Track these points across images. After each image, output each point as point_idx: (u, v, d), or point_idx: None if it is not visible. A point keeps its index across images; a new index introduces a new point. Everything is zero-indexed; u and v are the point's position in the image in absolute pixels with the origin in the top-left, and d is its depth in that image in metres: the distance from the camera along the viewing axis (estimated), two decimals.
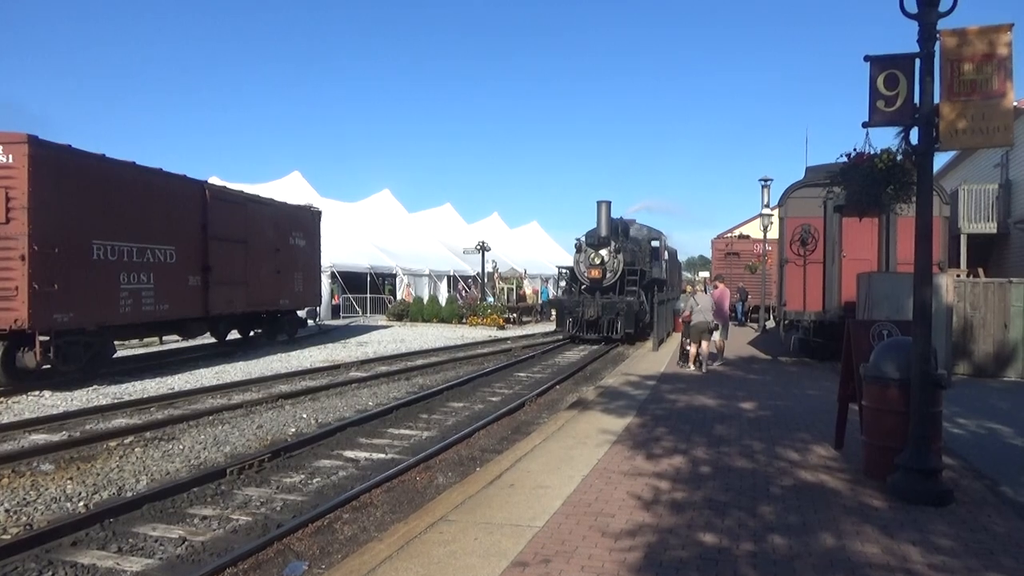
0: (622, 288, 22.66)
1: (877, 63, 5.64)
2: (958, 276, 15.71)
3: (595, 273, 22.57)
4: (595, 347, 21.11)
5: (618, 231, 24.03)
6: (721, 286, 17.90)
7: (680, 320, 15.12)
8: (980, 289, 13.65)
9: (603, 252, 22.68)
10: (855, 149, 5.82)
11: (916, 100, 5.56)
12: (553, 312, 26.20)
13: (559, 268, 27.87)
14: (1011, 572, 4.23)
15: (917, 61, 5.55)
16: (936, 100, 5.47)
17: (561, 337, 22.90)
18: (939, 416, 5.99)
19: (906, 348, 5.89)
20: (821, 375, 13.55)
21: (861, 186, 5.71)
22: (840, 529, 4.92)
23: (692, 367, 13.97)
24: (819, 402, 10.19)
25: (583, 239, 23.35)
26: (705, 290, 31.47)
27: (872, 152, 5.69)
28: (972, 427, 8.73)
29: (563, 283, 26.28)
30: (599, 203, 22.90)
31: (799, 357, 16.31)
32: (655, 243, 28.21)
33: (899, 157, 5.61)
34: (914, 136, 5.62)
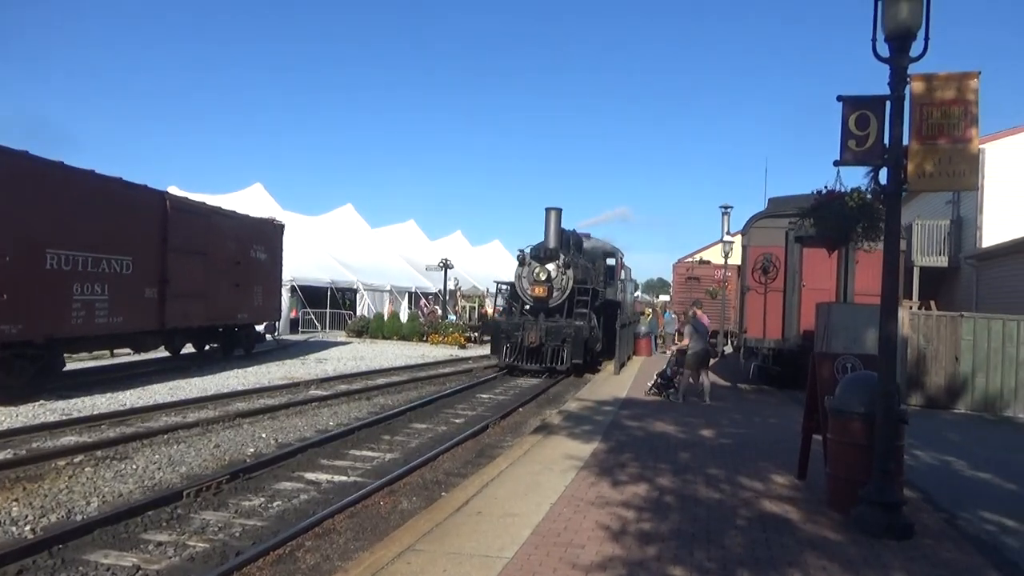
0: (570, 310, 19.43)
1: (849, 103, 5.78)
2: (911, 309, 16.12)
3: (539, 291, 19.23)
4: (535, 380, 18.20)
5: (569, 244, 21.08)
6: (699, 312, 17.30)
7: (674, 347, 14.06)
8: (933, 322, 14.04)
9: (550, 267, 19.36)
10: (826, 186, 5.95)
11: (886, 141, 5.71)
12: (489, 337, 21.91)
13: (498, 284, 22.88)
14: None
15: (888, 103, 5.70)
16: (905, 142, 5.62)
17: (497, 367, 19.46)
18: (902, 450, 6.10)
19: (871, 383, 6.00)
20: (780, 403, 13.75)
21: (833, 223, 5.83)
22: (807, 564, 4.95)
23: (707, 399, 13.14)
24: (780, 431, 10.31)
25: (527, 251, 19.98)
26: (664, 315, 31.71)
27: (843, 190, 5.81)
28: (928, 459, 8.92)
29: (501, 301, 22.61)
30: (548, 211, 19.86)
31: (758, 384, 16.53)
32: (611, 261, 25.35)
33: (868, 196, 5.73)
34: (883, 176, 5.77)
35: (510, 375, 18.87)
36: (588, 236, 24.50)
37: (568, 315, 19.32)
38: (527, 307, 20.13)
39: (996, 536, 5.92)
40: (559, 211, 19.84)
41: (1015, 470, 8.52)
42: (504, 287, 21.86)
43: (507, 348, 18.91)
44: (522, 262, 19.96)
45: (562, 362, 18.42)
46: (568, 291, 19.46)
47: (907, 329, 13.26)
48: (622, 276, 26.55)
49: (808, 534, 5.64)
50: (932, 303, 20.07)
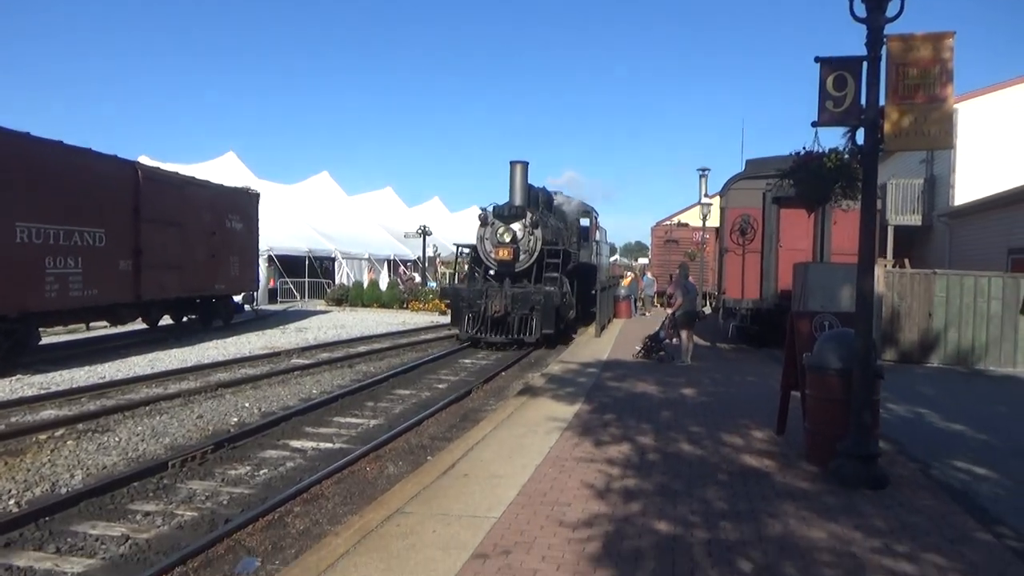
0: (540, 275, 17.42)
1: (827, 65, 5.80)
2: (886, 267, 16.36)
3: (504, 254, 17.21)
4: (499, 354, 16.34)
5: (538, 202, 19.08)
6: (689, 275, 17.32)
7: (672, 310, 13.90)
8: (907, 279, 14.28)
9: (515, 227, 17.30)
10: (804, 148, 5.99)
11: (863, 102, 5.75)
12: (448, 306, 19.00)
13: (458, 247, 20.46)
14: (948, 554, 4.45)
15: (864, 64, 5.72)
16: (882, 102, 5.66)
17: (458, 339, 17.45)
18: (878, 404, 6.25)
19: (848, 339, 6.12)
20: (759, 361, 13.97)
21: (811, 183, 5.89)
22: (787, 515, 5.09)
23: (688, 359, 13.35)
24: (758, 388, 10.51)
25: (489, 209, 17.85)
26: (643, 278, 31.90)
27: (821, 151, 5.86)
28: (902, 412, 9.15)
29: (461, 266, 20.59)
30: (513, 164, 17.82)
31: (736, 344, 16.77)
32: (585, 221, 23.45)
33: (846, 156, 5.79)
34: (860, 136, 5.82)
35: (474, 347, 17.04)
36: (559, 194, 22.58)
37: (537, 280, 17.39)
38: (491, 272, 18.26)
39: (968, 484, 6.12)
40: (525, 164, 17.90)
41: (986, 421, 8.77)
42: (465, 251, 19.64)
43: (469, 319, 17.05)
44: (484, 222, 17.86)
45: (530, 333, 16.59)
46: (536, 253, 17.51)
47: (882, 287, 13.47)
48: (597, 237, 24.87)
49: (787, 486, 5.79)
50: (906, 261, 20.39)
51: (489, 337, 16.77)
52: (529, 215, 17.50)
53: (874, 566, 4.22)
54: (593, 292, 20.17)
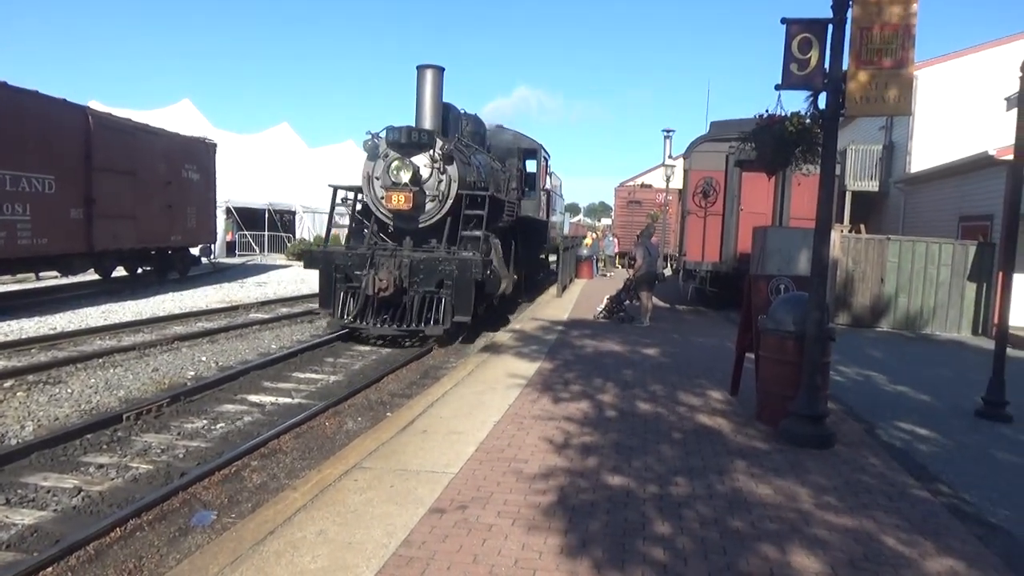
0: (453, 233, 11.92)
1: (793, 26, 5.80)
2: (843, 232, 16.68)
3: (399, 200, 11.50)
4: (384, 352, 11.28)
5: (459, 128, 13.63)
6: (652, 237, 16.68)
7: (633, 272, 13.91)
8: (862, 245, 14.60)
9: (419, 160, 11.73)
10: (767, 111, 6.02)
11: (827, 65, 5.77)
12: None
13: (335, 189, 13.22)
14: (886, 509, 4.65)
15: (830, 27, 5.74)
16: (845, 67, 5.69)
17: (325, 327, 12.63)
18: (828, 367, 6.43)
19: (801, 303, 6.25)
20: (716, 323, 14.23)
21: (773, 147, 5.93)
22: (737, 472, 5.24)
23: (647, 321, 13.38)
24: (715, 350, 10.71)
25: (382, 135, 11.88)
26: (604, 238, 32.03)
27: (783, 114, 5.89)
28: (851, 374, 9.44)
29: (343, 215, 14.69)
30: (421, 70, 12.24)
31: (695, 306, 17.04)
32: (531, 163, 18.00)
33: (808, 121, 5.83)
34: (822, 101, 5.86)
35: (353, 341, 11.87)
36: (500, 129, 17.50)
37: (452, 240, 11.90)
38: (384, 229, 12.46)
39: (909, 443, 6.36)
40: (438, 71, 12.30)
41: (929, 383, 9.09)
42: (347, 196, 13.25)
43: (344, 297, 11.59)
44: (373, 153, 11.94)
45: (439, 320, 11.19)
46: (450, 201, 11.89)
47: (838, 251, 13.75)
48: (548, 184, 19.46)
49: (739, 444, 5.95)
50: (862, 227, 20.81)
51: (371, 327, 11.44)
52: (440, 144, 11.83)
53: (817, 521, 4.38)
54: (543, 256, 17.50)
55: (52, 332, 11.32)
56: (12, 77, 13.49)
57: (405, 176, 11.53)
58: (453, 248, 11.76)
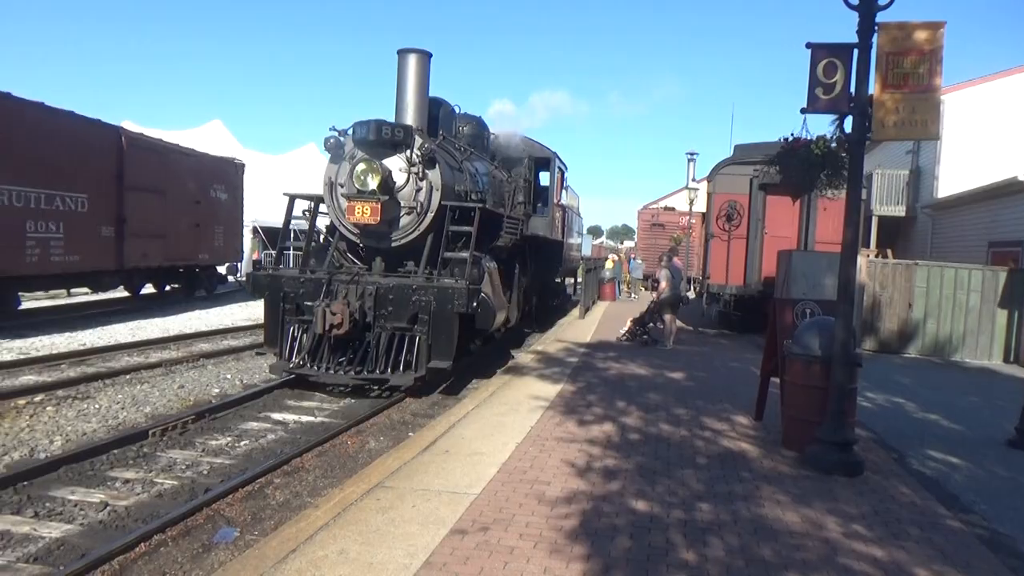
0: (435, 253, 9.42)
1: (819, 51, 5.80)
2: (869, 256, 16.50)
3: (363, 213, 9.12)
4: (336, 406, 8.87)
5: (454, 127, 11.95)
6: (676, 260, 17.10)
7: (656, 294, 13.73)
8: (889, 269, 14.42)
9: (392, 163, 9.47)
10: (792, 134, 6.01)
11: (852, 90, 5.76)
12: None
13: (291, 199, 11.16)
14: (916, 539, 4.55)
15: (855, 51, 5.73)
16: (871, 91, 5.68)
17: (273, 371, 9.41)
18: (855, 392, 6.34)
19: (828, 327, 6.18)
20: (741, 347, 14.10)
21: (798, 170, 5.92)
22: (762, 498, 5.17)
23: (671, 344, 13.26)
24: (739, 374, 10.61)
25: (349, 133, 9.57)
26: (629, 261, 32.00)
27: (808, 138, 5.88)
28: (879, 401, 9.29)
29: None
30: (403, 55, 10.16)
31: (719, 329, 16.91)
32: (544, 173, 15.82)
33: (833, 144, 5.82)
34: (848, 124, 5.84)
35: (303, 388, 9.29)
36: (514, 136, 14.96)
37: (434, 262, 9.35)
38: (352, 247, 10.22)
39: (941, 472, 6.23)
40: (423, 57, 10.18)
41: (960, 412, 8.92)
42: (305, 208, 11.07)
43: (296, 333, 9.29)
44: (337, 155, 9.68)
45: (409, 366, 8.81)
46: (431, 213, 9.53)
47: (864, 276, 13.60)
48: (563, 199, 17.10)
49: (764, 470, 5.88)
50: (889, 251, 20.57)
51: (322, 373, 8.82)
52: (419, 143, 9.50)
53: (845, 550, 4.31)
54: (558, 280, 15.79)
55: (82, 348, 11.51)
56: (49, 98, 13.98)
57: (372, 182, 9.07)
58: (434, 273, 9.24)
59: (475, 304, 9.01)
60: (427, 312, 8.89)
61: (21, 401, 8.09)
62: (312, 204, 10.72)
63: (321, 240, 11.23)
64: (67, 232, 13.80)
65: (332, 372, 8.83)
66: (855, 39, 5.71)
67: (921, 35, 5.48)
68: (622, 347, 13.22)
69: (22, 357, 10.48)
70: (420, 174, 9.52)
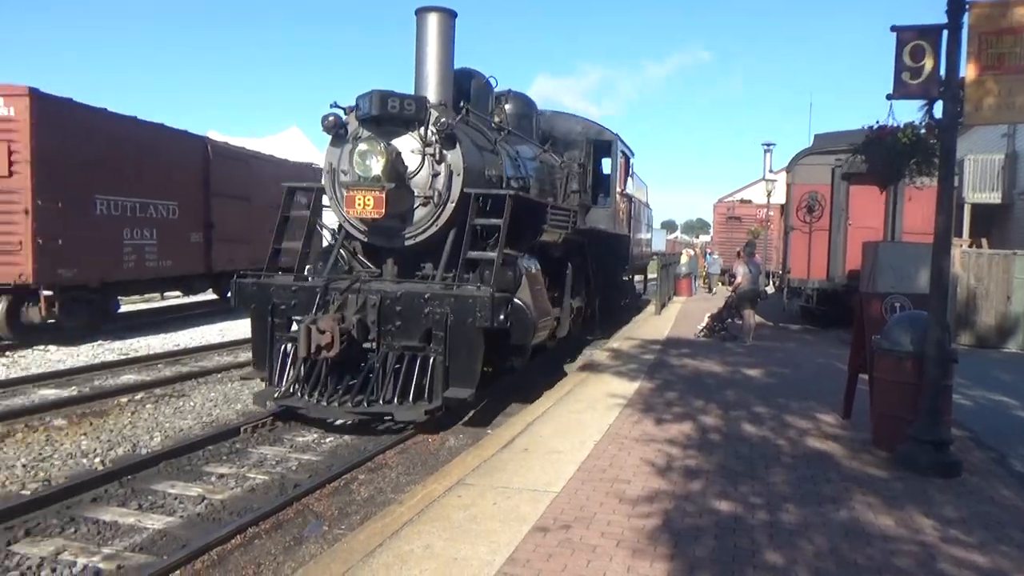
0: (455, 255, 7.78)
1: (905, 33, 5.56)
2: (962, 247, 15.70)
3: (364, 205, 7.37)
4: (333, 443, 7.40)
5: (489, 103, 10.13)
6: (755, 254, 16.60)
7: (733, 289, 13.55)
8: (985, 260, 13.69)
9: (402, 143, 7.75)
10: (877, 122, 5.80)
11: (942, 73, 5.50)
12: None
13: (288, 190, 9.36)
14: (1020, 544, 4.32)
15: (944, 32, 5.47)
16: (962, 74, 5.41)
17: (258, 401, 7.81)
18: (950, 389, 6.06)
19: (920, 322, 5.92)
20: (825, 343, 13.65)
21: (885, 159, 5.70)
22: (852, 500, 5.00)
23: (750, 340, 12.96)
24: (824, 370, 10.28)
25: (355, 110, 7.91)
26: (705, 256, 31.37)
27: (895, 125, 5.64)
28: (977, 398, 8.84)
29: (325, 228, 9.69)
30: (421, 15, 8.33)
31: (802, 324, 16.41)
32: (605, 160, 14.16)
33: (922, 131, 5.57)
34: (938, 110, 5.58)
35: (296, 421, 7.68)
36: (562, 114, 13.77)
37: (455, 265, 7.78)
38: (360, 247, 8.68)
39: None
40: (446, 16, 8.38)
41: None
42: (302, 201, 9.64)
43: (284, 354, 7.64)
44: (337, 134, 8.19)
45: (421, 395, 7.15)
46: (451, 203, 7.86)
47: (958, 268, 12.95)
48: (629, 188, 15.32)
49: (853, 471, 5.68)
50: (984, 241, 19.50)
51: (312, 405, 7.27)
52: (435, 117, 7.72)
53: (944, 556, 4.12)
54: (626, 279, 14.78)
55: (176, 348, 12.12)
56: (141, 111, 14.93)
57: (376, 166, 7.35)
58: (458, 277, 7.67)
59: (503, 316, 7.18)
60: (443, 327, 7.17)
61: (124, 399, 8.58)
62: (312, 196, 9.11)
63: (330, 239, 9.31)
64: (160, 238, 14.54)
65: (325, 404, 7.18)
66: (943, 20, 5.46)
67: (1019, 13, 5.18)
68: (699, 343, 12.99)
69: (123, 357, 11.12)
70: (437, 156, 7.76)
